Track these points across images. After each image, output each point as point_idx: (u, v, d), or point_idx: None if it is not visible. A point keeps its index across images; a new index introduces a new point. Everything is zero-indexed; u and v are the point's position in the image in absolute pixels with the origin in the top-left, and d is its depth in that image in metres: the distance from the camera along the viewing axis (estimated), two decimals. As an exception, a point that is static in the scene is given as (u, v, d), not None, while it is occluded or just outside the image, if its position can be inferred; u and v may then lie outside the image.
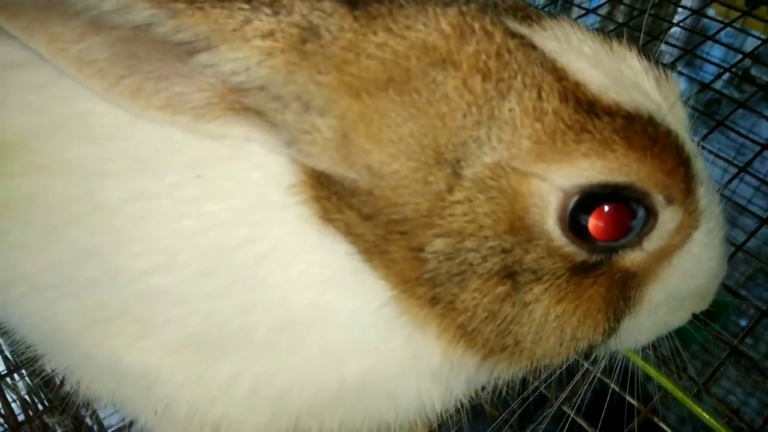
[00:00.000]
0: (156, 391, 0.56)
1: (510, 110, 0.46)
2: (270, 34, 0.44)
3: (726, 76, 1.46)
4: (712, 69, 1.63)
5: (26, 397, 0.95)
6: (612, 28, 1.66)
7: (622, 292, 0.52)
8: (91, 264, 0.52)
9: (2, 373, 0.91)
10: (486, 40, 0.46)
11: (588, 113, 0.46)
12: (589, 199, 0.46)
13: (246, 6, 0.43)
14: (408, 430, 0.77)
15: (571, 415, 0.81)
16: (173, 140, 0.48)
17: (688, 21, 1.68)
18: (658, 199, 0.49)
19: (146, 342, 0.54)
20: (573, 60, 0.48)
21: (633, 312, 0.54)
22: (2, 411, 0.82)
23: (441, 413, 0.77)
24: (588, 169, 0.45)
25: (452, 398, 0.62)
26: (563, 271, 0.48)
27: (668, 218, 0.50)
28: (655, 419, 0.82)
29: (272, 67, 0.45)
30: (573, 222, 0.47)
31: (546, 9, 1.74)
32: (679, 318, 0.60)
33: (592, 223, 0.47)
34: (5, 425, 0.79)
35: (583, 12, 1.73)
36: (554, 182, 0.46)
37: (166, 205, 0.49)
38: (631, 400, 0.82)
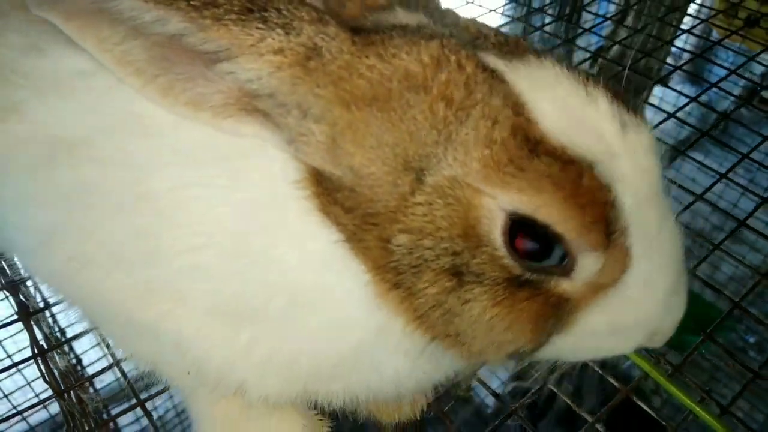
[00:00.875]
0: (189, 354, 0.64)
1: (466, 134, 0.52)
2: (280, 51, 0.52)
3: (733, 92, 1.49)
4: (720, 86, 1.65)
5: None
6: (616, 41, 1.72)
7: (555, 312, 0.56)
8: (138, 243, 0.60)
9: (44, 349, 1.00)
10: (457, 71, 0.53)
11: (530, 151, 0.51)
12: (517, 225, 0.53)
13: (262, 26, 0.51)
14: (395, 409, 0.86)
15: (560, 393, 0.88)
16: (210, 137, 0.56)
17: (691, 41, 1.72)
18: (575, 243, 0.53)
19: (182, 311, 0.62)
20: (538, 98, 0.53)
21: (565, 333, 0.58)
22: (48, 378, 0.92)
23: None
24: (518, 201, 0.51)
25: (423, 377, 0.68)
26: (501, 280, 0.54)
27: (588, 262, 0.54)
28: (635, 398, 0.89)
29: (280, 78, 0.53)
30: (511, 239, 0.53)
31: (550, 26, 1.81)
32: (622, 347, 0.62)
33: (520, 246, 0.53)
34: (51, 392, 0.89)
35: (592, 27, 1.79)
36: (498, 202, 0.52)
37: (204, 193, 0.58)
38: (612, 381, 0.90)
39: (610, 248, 0.54)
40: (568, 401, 0.86)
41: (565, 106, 0.53)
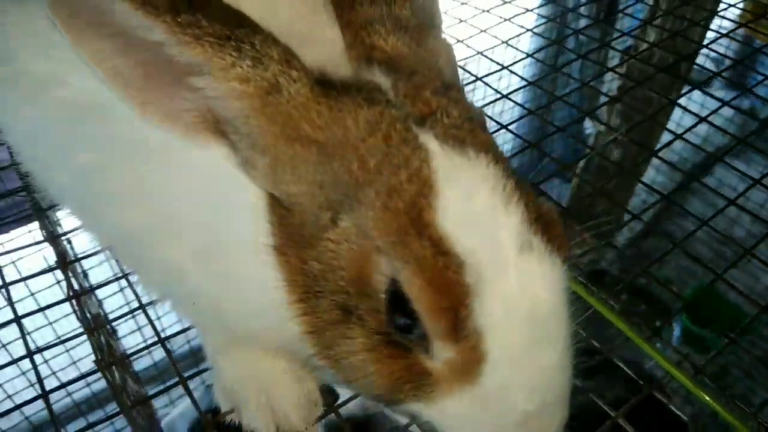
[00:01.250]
0: (187, 287, 0.71)
1: (369, 196, 0.56)
2: (246, 80, 0.56)
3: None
4: (763, 91, 1.64)
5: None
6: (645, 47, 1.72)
7: (415, 380, 0.59)
8: (143, 186, 0.67)
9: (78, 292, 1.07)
10: (382, 140, 0.57)
11: (417, 231, 0.54)
12: (397, 292, 0.56)
13: (235, 54, 0.55)
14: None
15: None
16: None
17: (734, 47, 1.71)
18: (428, 327, 0.56)
19: (178, 249, 0.68)
20: (449, 189, 0.55)
21: (425, 404, 0.61)
22: (97, 354, 0.98)
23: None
24: (396, 272, 0.55)
25: (320, 372, 0.72)
26: (378, 332, 0.58)
27: (441, 349, 0.57)
28: (615, 359, 0.92)
29: (240, 106, 0.57)
30: (392, 302, 0.57)
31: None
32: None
33: (394, 311, 0.57)
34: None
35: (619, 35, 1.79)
36: (389, 265, 0.55)
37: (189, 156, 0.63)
38: (594, 342, 0.92)
39: (460, 345, 0.56)
40: (593, 396, 0.88)
41: (469, 207, 0.56)
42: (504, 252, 0.55)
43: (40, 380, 0.90)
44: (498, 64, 1.52)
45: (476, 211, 0.56)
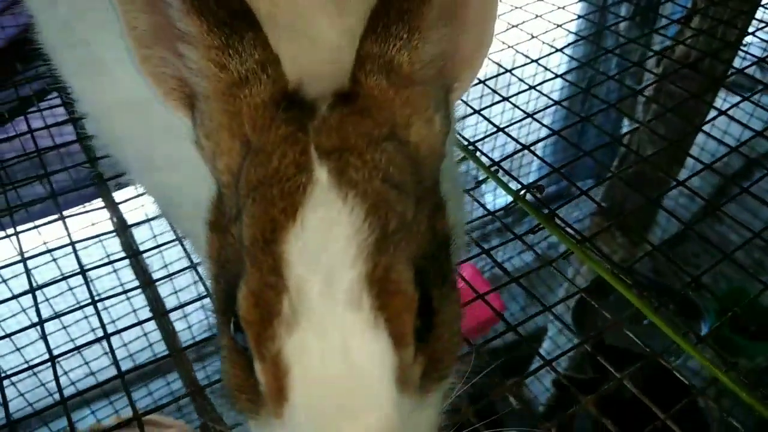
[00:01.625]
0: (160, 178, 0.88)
1: (251, 200, 0.58)
2: (221, 66, 0.60)
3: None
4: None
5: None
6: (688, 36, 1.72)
7: (249, 394, 0.59)
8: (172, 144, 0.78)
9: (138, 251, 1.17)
10: (279, 155, 0.58)
11: (266, 245, 0.55)
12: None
13: (223, 39, 0.59)
14: None
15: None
16: None
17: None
18: (247, 339, 0.56)
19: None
20: (311, 218, 0.55)
21: (254, 421, 0.60)
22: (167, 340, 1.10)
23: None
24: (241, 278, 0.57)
25: None
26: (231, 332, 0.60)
27: (258, 368, 0.56)
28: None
29: (207, 86, 0.62)
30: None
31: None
32: None
33: None
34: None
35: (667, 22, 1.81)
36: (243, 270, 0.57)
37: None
38: (606, 314, 0.98)
39: (270, 371, 0.54)
40: (639, 395, 0.90)
41: (318, 244, 0.54)
42: (329, 298, 0.53)
43: (103, 326, 1.02)
44: (537, 62, 1.57)
45: (321, 251, 0.54)
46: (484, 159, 1.34)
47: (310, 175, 0.57)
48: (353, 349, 0.52)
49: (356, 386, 0.53)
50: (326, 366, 0.52)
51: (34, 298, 1.07)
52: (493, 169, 1.31)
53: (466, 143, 1.37)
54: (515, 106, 1.50)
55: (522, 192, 1.24)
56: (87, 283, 1.10)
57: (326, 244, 0.54)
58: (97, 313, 1.04)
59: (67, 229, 1.21)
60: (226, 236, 0.62)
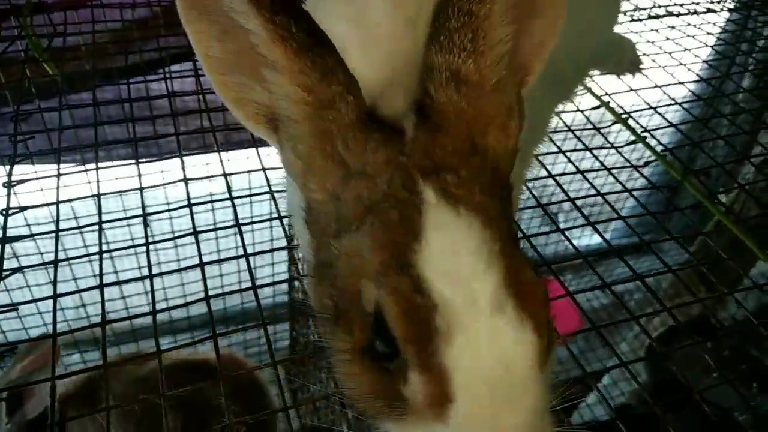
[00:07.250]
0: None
1: (367, 224, 0.61)
2: (309, 90, 0.62)
3: None
4: None
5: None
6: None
7: (389, 400, 0.61)
8: None
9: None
10: (386, 180, 0.62)
11: (400, 267, 0.58)
12: (377, 316, 0.59)
13: (309, 64, 0.61)
14: None
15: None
16: None
17: None
18: (406, 356, 0.58)
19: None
20: (435, 236, 0.58)
21: (394, 423, 0.62)
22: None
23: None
24: (379, 298, 0.58)
25: None
26: (362, 345, 0.61)
27: (415, 380, 0.58)
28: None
29: (295, 110, 0.64)
30: (377, 325, 0.60)
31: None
32: None
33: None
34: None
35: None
36: (373, 289, 0.59)
37: None
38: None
39: (431, 381, 0.57)
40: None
41: (450, 260, 0.58)
42: (476, 309, 0.57)
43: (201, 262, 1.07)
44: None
45: (456, 266, 0.58)
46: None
47: (420, 196, 0.60)
48: (507, 348, 0.57)
49: (512, 378, 0.58)
50: (485, 368, 0.57)
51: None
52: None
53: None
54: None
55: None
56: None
57: (458, 260, 0.58)
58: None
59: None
60: (323, 246, 0.66)
